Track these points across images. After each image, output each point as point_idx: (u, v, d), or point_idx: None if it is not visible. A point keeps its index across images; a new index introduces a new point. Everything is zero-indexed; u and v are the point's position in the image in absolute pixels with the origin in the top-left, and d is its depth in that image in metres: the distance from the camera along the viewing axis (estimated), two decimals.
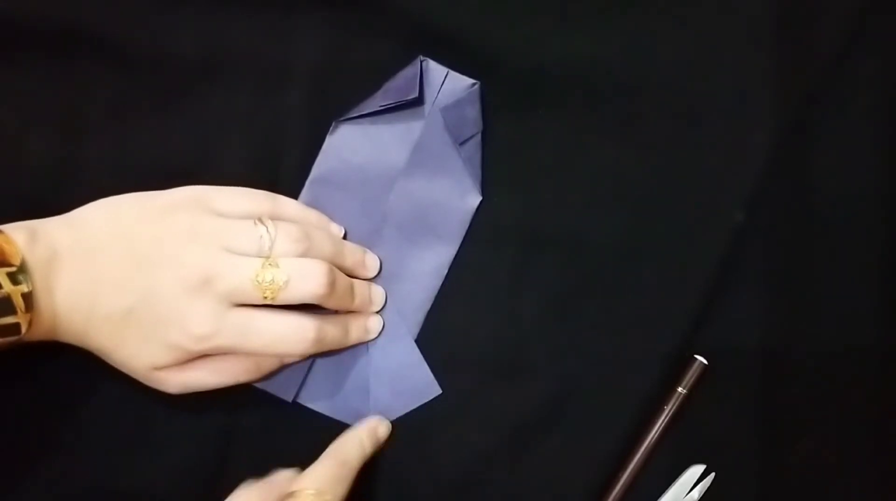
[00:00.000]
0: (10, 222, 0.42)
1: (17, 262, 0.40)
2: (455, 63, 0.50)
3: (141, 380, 0.44)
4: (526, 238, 0.50)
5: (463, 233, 0.50)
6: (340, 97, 0.50)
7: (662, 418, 0.49)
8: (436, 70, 0.50)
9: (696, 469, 0.49)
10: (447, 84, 0.50)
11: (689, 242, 0.50)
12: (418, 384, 0.49)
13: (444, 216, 0.50)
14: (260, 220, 0.44)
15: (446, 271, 0.49)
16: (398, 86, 0.49)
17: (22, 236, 0.41)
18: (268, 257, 0.43)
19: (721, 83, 0.50)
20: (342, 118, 0.49)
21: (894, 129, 0.50)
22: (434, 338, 0.49)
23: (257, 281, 0.43)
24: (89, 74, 0.49)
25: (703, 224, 0.50)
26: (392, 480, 0.49)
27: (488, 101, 0.50)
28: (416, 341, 0.49)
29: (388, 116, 0.49)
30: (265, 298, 0.43)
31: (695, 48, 0.50)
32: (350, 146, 0.49)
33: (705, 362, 0.49)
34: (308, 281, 0.44)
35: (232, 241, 0.43)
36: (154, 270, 0.42)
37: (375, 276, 0.49)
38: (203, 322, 0.42)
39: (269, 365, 0.47)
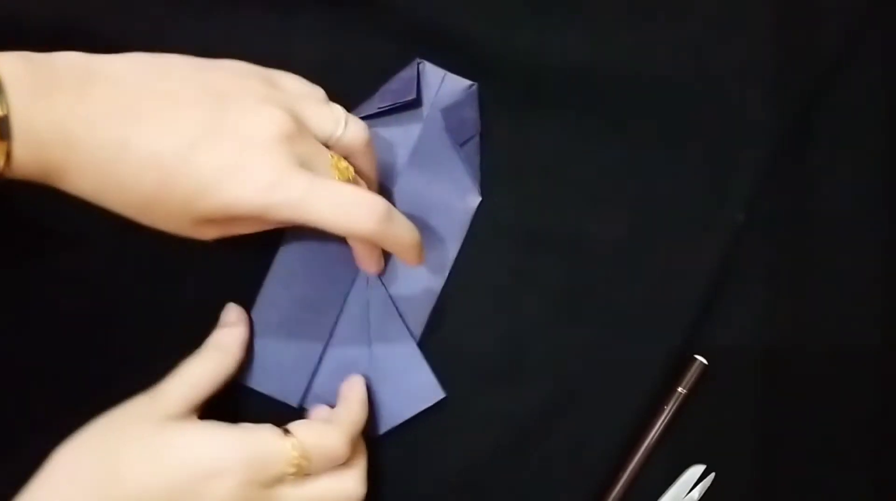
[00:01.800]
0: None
1: None
2: (455, 63, 0.50)
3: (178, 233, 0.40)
4: (526, 238, 0.50)
5: (464, 233, 0.50)
6: (340, 97, 0.49)
7: (662, 418, 0.49)
8: (433, 72, 0.50)
9: (697, 469, 0.49)
10: (445, 86, 0.50)
11: (689, 242, 0.50)
12: (421, 388, 0.48)
13: (444, 217, 0.50)
14: (336, 106, 0.43)
15: (448, 272, 0.49)
16: (396, 88, 0.49)
17: (10, 56, 0.35)
18: (336, 144, 0.42)
19: (721, 83, 0.50)
20: None
21: (894, 129, 0.51)
22: (434, 339, 0.49)
23: (333, 161, 0.41)
24: None
25: (703, 224, 0.50)
26: (393, 480, 0.49)
27: (488, 101, 0.50)
28: (418, 342, 0.49)
29: (385, 118, 0.49)
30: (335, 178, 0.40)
31: (695, 48, 0.50)
32: None
33: (705, 362, 0.49)
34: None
35: (310, 111, 0.41)
36: (226, 109, 0.37)
37: (378, 273, 0.49)
38: (275, 170, 0.37)
39: None
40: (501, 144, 0.50)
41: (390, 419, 0.48)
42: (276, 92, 0.41)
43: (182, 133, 0.36)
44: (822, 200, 0.50)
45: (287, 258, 0.48)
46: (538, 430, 0.49)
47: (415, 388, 0.48)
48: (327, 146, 0.42)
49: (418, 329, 0.49)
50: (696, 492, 0.49)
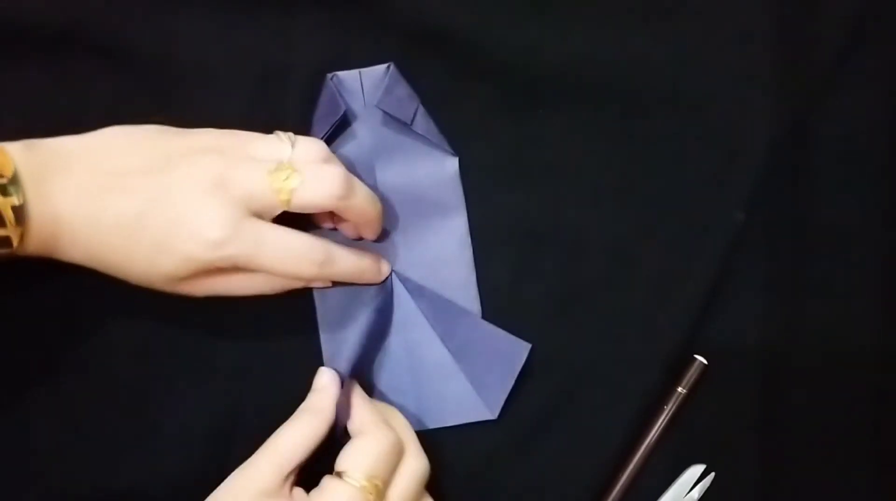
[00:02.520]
0: None
1: (8, 173, 0.39)
2: (455, 63, 0.50)
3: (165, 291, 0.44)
4: (526, 238, 0.50)
5: (462, 198, 0.50)
6: None
7: (662, 418, 0.49)
8: (349, 77, 0.49)
9: (696, 469, 0.49)
10: (366, 81, 0.49)
11: (689, 242, 0.50)
12: (506, 351, 0.48)
13: (435, 193, 0.50)
14: (282, 132, 0.45)
15: (469, 239, 0.49)
16: (324, 112, 0.49)
17: (17, 147, 0.40)
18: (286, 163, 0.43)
19: (721, 83, 0.50)
20: None
21: (894, 129, 0.50)
22: None
23: (270, 180, 0.42)
24: (89, 75, 0.49)
25: (703, 224, 0.50)
26: None
27: (488, 101, 0.50)
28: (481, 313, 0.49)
29: (333, 143, 0.49)
30: (281, 200, 0.42)
31: (695, 48, 0.50)
32: None
33: (705, 362, 0.49)
34: (325, 182, 0.43)
35: (252, 148, 0.44)
36: (167, 173, 0.41)
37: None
38: (216, 227, 0.41)
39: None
40: (501, 144, 0.50)
41: (498, 396, 0.48)
42: (223, 139, 0.44)
43: (136, 200, 0.41)
44: (821, 200, 0.50)
45: (326, 308, 0.49)
46: (538, 430, 0.49)
47: (500, 355, 0.48)
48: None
49: (475, 302, 0.49)
50: (696, 492, 0.49)
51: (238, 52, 0.50)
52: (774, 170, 0.50)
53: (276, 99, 0.50)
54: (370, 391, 0.49)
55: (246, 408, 0.49)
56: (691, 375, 0.49)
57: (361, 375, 0.49)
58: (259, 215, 0.43)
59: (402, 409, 0.49)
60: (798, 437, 0.50)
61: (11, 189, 0.39)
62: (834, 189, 0.50)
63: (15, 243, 0.39)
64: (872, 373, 0.50)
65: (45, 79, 0.49)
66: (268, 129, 0.49)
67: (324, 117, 0.49)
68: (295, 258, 0.43)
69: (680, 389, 0.49)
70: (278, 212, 0.43)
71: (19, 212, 0.39)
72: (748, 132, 0.50)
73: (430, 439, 0.49)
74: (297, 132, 0.49)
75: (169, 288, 0.43)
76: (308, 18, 0.50)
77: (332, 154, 0.46)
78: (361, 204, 0.45)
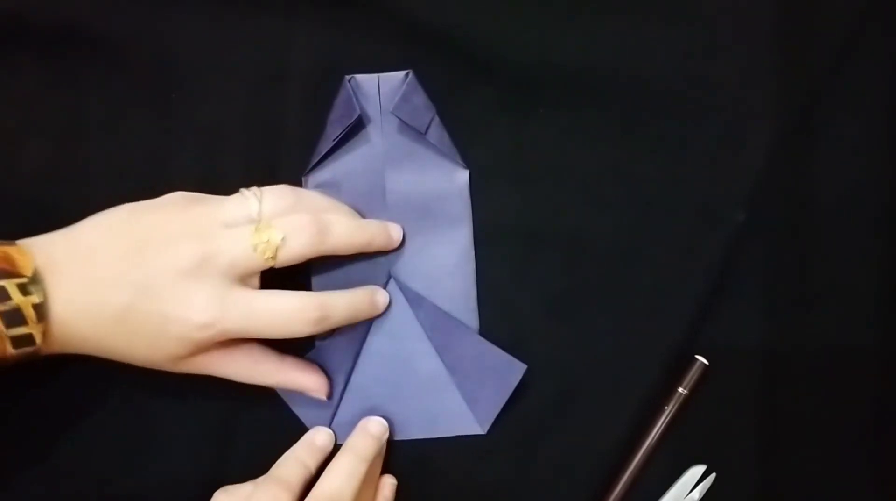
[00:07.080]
0: (6, 226, 0.42)
1: (28, 273, 0.40)
2: (455, 63, 0.50)
3: (174, 371, 0.44)
4: (526, 238, 0.50)
5: (469, 211, 0.49)
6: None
7: (663, 418, 0.49)
8: (367, 81, 0.49)
9: (697, 470, 0.49)
10: (383, 87, 0.49)
11: (690, 241, 0.50)
12: (501, 369, 0.48)
13: (443, 204, 0.50)
14: (246, 189, 0.45)
15: (473, 252, 0.49)
16: (340, 114, 0.49)
17: (37, 248, 0.41)
18: (259, 221, 0.43)
19: (721, 83, 0.50)
20: (307, 171, 0.49)
21: (894, 129, 0.50)
22: None
23: (253, 244, 0.42)
24: (88, 76, 0.49)
25: (703, 224, 0.50)
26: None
27: (488, 101, 0.50)
28: (478, 329, 0.49)
29: (346, 146, 0.49)
30: (267, 260, 0.43)
31: (695, 48, 0.50)
32: (329, 189, 0.49)
33: (705, 362, 0.49)
34: (302, 234, 0.44)
35: (221, 214, 0.44)
36: (148, 260, 0.42)
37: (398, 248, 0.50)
38: (203, 311, 0.41)
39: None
40: (502, 144, 0.50)
41: (489, 412, 0.49)
42: (192, 211, 0.44)
43: (124, 293, 0.41)
44: (822, 200, 0.50)
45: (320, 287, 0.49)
46: (538, 430, 0.49)
47: (495, 373, 0.48)
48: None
49: (474, 316, 0.49)
50: (697, 493, 0.49)
51: (238, 52, 0.50)
52: (774, 170, 0.50)
53: (276, 99, 0.50)
54: (362, 395, 0.49)
55: (246, 409, 0.49)
56: (692, 375, 0.49)
57: (354, 381, 0.49)
58: (245, 279, 0.43)
59: (393, 417, 0.49)
60: (798, 437, 0.50)
61: (32, 288, 0.40)
62: (834, 189, 0.50)
63: (38, 340, 0.40)
64: (872, 373, 0.50)
65: (45, 79, 0.49)
66: (267, 131, 0.50)
67: (338, 119, 0.49)
68: (288, 321, 0.44)
69: (680, 389, 0.49)
70: (264, 269, 0.44)
71: (40, 309, 0.40)
72: (748, 132, 0.50)
73: (428, 439, 0.49)
74: (296, 134, 0.49)
75: (175, 368, 0.44)
76: (308, 19, 0.50)
77: (299, 196, 0.46)
78: (340, 241, 0.45)
